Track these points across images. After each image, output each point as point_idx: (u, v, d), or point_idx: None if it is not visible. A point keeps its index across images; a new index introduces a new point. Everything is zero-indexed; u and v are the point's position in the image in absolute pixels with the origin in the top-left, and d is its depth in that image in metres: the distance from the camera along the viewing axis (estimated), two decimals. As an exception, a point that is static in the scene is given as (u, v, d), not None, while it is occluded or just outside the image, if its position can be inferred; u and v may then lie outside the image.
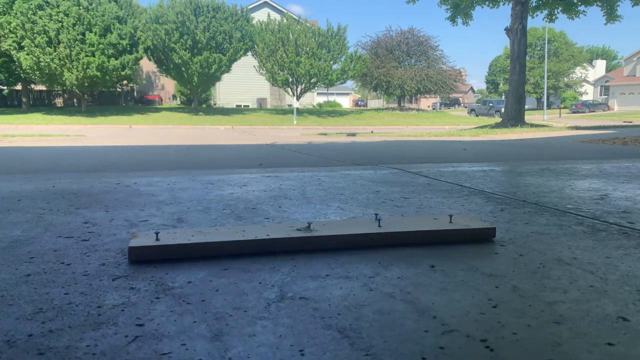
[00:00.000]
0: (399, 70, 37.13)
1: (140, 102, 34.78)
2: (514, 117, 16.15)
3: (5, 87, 29.26)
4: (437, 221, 1.61)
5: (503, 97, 45.91)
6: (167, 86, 37.33)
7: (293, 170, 3.63)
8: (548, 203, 2.20)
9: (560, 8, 17.43)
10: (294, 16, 28.80)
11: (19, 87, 28.63)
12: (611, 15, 16.91)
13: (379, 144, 8.51)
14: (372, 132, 15.26)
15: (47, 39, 22.53)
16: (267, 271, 1.26)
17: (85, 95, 27.18)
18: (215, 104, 35.34)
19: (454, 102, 62.06)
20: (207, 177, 3.11)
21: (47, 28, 22.36)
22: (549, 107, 42.23)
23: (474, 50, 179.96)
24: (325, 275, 1.22)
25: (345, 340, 0.87)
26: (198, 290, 1.12)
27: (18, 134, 12.65)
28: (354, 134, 13.52)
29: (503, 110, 21.26)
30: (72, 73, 22.96)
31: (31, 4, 22.33)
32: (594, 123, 20.27)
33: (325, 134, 13.89)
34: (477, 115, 37.07)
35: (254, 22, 27.89)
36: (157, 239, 1.38)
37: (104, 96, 32.33)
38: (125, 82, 28.22)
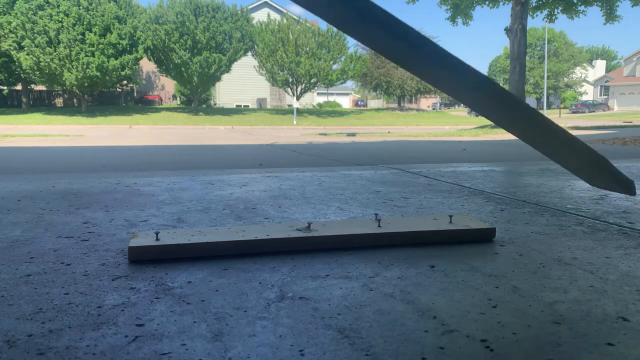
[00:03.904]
0: (399, 70, 37.14)
1: (140, 102, 34.79)
2: (514, 117, 16.12)
3: (5, 87, 29.26)
4: (437, 221, 1.61)
5: (503, 97, 45.82)
6: (167, 86, 37.34)
7: (293, 170, 3.63)
8: (548, 203, 2.21)
9: (560, 8, 17.45)
10: (294, 16, 28.81)
11: (19, 87, 28.65)
12: (610, 15, 16.93)
13: (378, 144, 8.51)
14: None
15: (47, 39, 22.55)
16: (267, 271, 1.26)
17: (85, 95, 27.19)
18: (215, 104, 35.34)
19: (454, 102, 62.05)
20: (207, 177, 3.11)
21: (47, 28, 22.37)
22: (549, 107, 42.24)
23: (474, 50, 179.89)
24: (325, 275, 1.22)
25: (345, 340, 0.87)
26: (198, 290, 1.12)
27: (18, 134, 12.65)
28: (353, 134, 13.52)
29: (503, 110, 21.22)
30: (72, 73, 22.98)
31: (32, 4, 22.35)
32: (594, 123, 20.27)
33: (325, 134, 13.89)
34: (477, 116, 37.06)
35: (254, 22, 27.90)
36: (157, 239, 1.38)
37: (104, 96, 32.34)
38: (125, 82, 28.22)
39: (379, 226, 1.54)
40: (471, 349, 0.84)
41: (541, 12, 17.99)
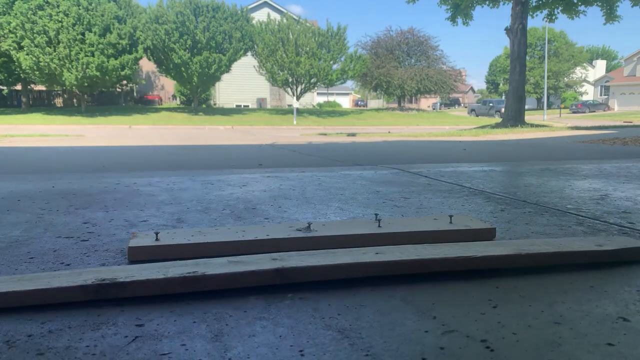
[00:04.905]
0: (399, 70, 37.13)
1: (140, 102, 34.78)
2: (514, 117, 16.15)
3: (5, 87, 29.26)
4: (437, 221, 1.61)
5: (503, 97, 45.90)
6: (167, 86, 37.33)
7: (293, 170, 3.63)
8: (548, 203, 2.20)
9: (560, 8, 17.45)
10: (294, 16, 28.80)
11: (18, 87, 28.64)
12: (610, 15, 16.93)
13: (378, 144, 8.51)
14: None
15: (47, 39, 22.54)
16: (267, 271, 1.25)
17: (85, 95, 27.18)
18: (215, 104, 35.34)
19: (454, 102, 62.02)
20: (207, 177, 3.11)
21: (47, 28, 22.37)
22: (549, 107, 42.24)
23: (474, 50, 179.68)
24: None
25: (345, 341, 0.87)
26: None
27: (18, 134, 12.65)
28: (353, 134, 13.51)
29: (503, 110, 21.26)
30: (71, 73, 22.97)
31: (31, 4, 22.34)
32: (594, 123, 20.27)
33: (325, 134, 13.89)
34: (477, 116, 37.05)
35: (253, 22, 27.89)
36: (156, 239, 1.38)
37: (104, 96, 32.33)
38: (125, 82, 28.21)
39: (379, 226, 1.54)
40: (471, 349, 0.84)
41: (541, 12, 17.99)
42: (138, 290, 1.06)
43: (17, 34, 22.37)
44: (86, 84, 24.11)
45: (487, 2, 17.97)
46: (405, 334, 0.90)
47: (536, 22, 66.11)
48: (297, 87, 28.08)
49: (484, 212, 2.01)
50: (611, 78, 49.55)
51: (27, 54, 22.57)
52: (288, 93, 29.27)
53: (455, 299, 1.07)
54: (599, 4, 16.91)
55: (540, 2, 17.59)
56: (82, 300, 1.03)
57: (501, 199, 2.31)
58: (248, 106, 35.69)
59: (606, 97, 48.99)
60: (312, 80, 27.89)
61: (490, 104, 38.30)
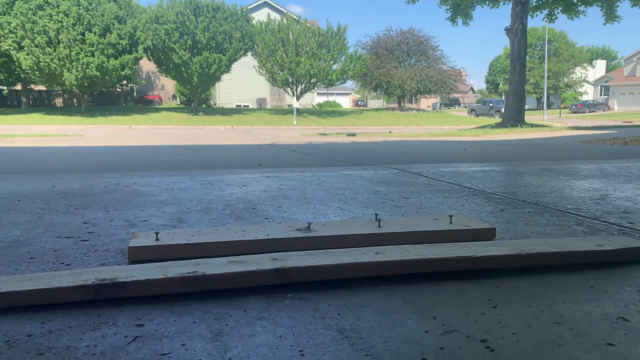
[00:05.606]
0: (399, 70, 37.10)
1: (140, 102, 34.78)
2: (514, 117, 16.14)
3: (5, 87, 29.27)
4: (437, 221, 1.61)
5: (503, 97, 45.88)
6: (167, 86, 37.32)
7: (293, 170, 3.63)
8: (548, 203, 2.20)
9: (560, 8, 17.44)
10: (294, 16, 28.80)
11: (18, 87, 28.64)
12: (610, 15, 16.93)
13: (378, 144, 8.51)
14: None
15: (47, 39, 22.54)
16: (267, 271, 1.25)
17: (85, 95, 27.17)
18: (215, 104, 35.34)
19: (454, 102, 62.00)
20: (207, 177, 3.11)
21: (47, 28, 22.37)
22: (549, 107, 42.22)
23: (474, 50, 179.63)
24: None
25: (345, 341, 0.87)
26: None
27: (18, 134, 12.65)
28: (354, 134, 13.51)
29: (503, 110, 21.26)
30: (71, 73, 22.96)
31: (31, 4, 22.34)
32: (594, 123, 20.26)
33: (325, 134, 13.89)
34: (477, 116, 37.04)
35: (253, 22, 27.89)
36: (157, 239, 1.38)
37: (104, 96, 32.33)
38: (125, 82, 28.20)
39: (379, 226, 1.54)
40: (471, 349, 0.84)
41: (541, 12, 17.99)
42: (138, 290, 1.06)
43: (17, 34, 22.37)
44: (86, 84, 24.11)
45: (487, 2, 17.97)
46: (405, 334, 0.90)
47: (536, 22, 66.12)
48: (297, 87, 28.08)
49: (484, 212, 2.01)
50: (611, 78, 49.53)
51: (27, 54, 22.57)
52: (288, 93, 29.27)
53: (455, 299, 1.07)
54: (599, 4, 16.91)
55: (540, 2, 17.59)
56: (82, 300, 1.03)
57: (501, 199, 2.31)
58: (248, 106, 35.69)
59: (606, 97, 48.97)
60: (312, 80, 27.88)
61: (490, 104, 38.28)
